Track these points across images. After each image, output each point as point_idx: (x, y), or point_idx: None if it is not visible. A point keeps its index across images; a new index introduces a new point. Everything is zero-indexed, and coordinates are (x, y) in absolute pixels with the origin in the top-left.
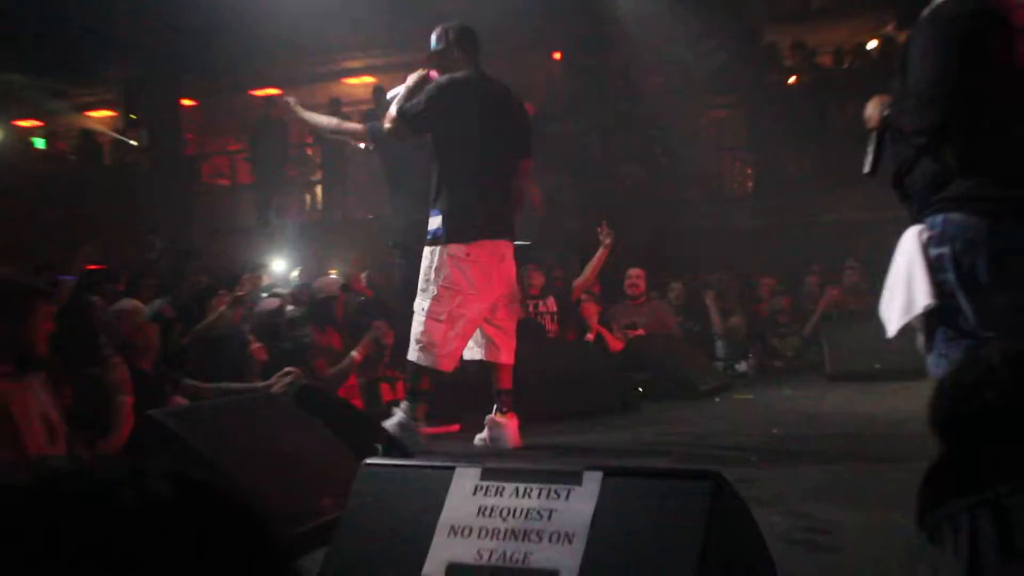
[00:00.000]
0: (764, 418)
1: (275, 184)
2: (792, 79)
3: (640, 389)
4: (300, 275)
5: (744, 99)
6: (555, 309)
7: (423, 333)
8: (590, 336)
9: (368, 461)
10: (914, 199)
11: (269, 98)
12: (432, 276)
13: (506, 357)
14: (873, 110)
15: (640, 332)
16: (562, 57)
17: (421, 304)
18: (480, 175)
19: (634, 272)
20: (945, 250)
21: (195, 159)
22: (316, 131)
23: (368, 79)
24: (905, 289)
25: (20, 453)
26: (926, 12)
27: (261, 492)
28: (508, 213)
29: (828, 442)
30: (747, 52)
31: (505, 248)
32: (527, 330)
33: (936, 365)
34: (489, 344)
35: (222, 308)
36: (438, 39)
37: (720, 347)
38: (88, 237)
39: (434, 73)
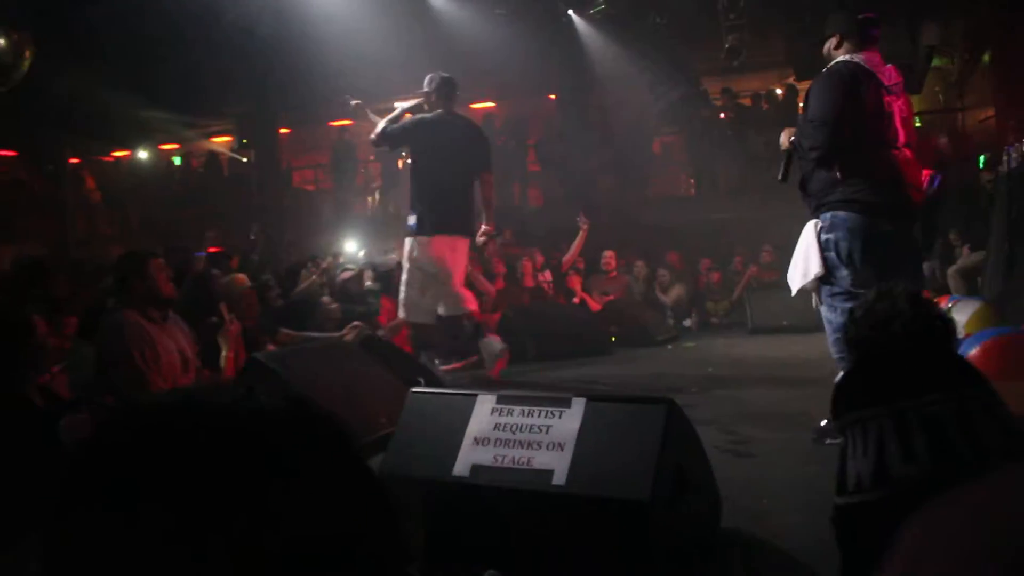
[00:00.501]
0: (703, 361)
1: (348, 189)
2: (722, 115)
3: (613, 339)
4: (364, 255)
5: (687, 129)
6: (551, 279)
7: (406, 299)
8: (576, 300)
9: (413, 390)
10: (812, 200)
11: (351, 103)
12: (409, 259)
13: (472, 305)
14: (784, 137)
15: (612, 297)
16: (556, 98)
17: (403, 279)
18: (442, 187)
19: (608, 253)
20: (831, 236)
21: (288, 171)
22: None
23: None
24: (803, 262)
25: (163, 377)
26: (824, 69)
27: (335, 412)
28: (466, 215)
29: (749, 378)
30: (689, 94)
31: (459, 242)
32: (535, 295)
33: (827, 312)
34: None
35: (312, 278)
36: (428, 83)
37: (670, 309)
38: (211, 227)
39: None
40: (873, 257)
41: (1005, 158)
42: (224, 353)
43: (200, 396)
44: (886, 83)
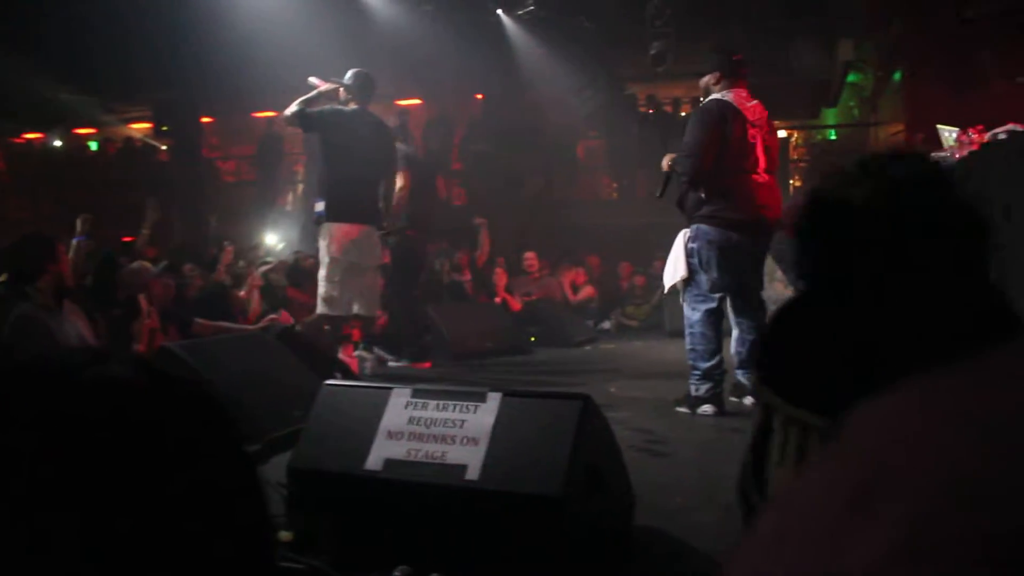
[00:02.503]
0: (621, 362)
1: (271, 182)
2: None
3: (533, 339)
4: (284, 248)
5: (610, 133)
6: (470, 278)
7: (325, 293)
8: (497, 299)
9: (327, 382)
10: (685, 214)
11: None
12: (327, 252)
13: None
14: (665, 160)
15: (533, 297)
16: (483, 97)
17: (322, 274)
18: (353, 178)
19: (529, 255)
20: (694, 245)
21: (211, 161)
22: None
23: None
24: (673, 266)
25: None
26: (700, 104)
27: (248, 404)
28: (374, 207)
29: (665, 380)
30: (614, 99)
31: (369, 232)
32: (455, 293)
33: (686, 310)
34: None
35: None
36: (349, 77)
37: (590, 311)
38: (125, 215)
39: (341, 92)
40: (728, 265)
41: None
42: (135, 346)
43: (26, 363)
44: (751, 118)
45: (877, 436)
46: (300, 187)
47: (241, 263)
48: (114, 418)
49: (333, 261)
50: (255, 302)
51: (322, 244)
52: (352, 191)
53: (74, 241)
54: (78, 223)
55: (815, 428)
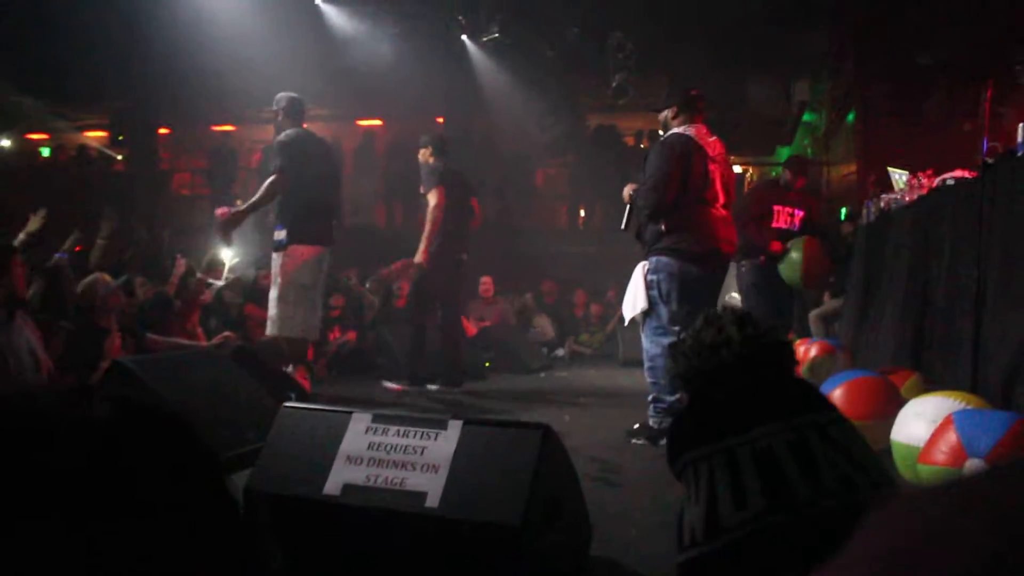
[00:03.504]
0: (575, 390)
1: (225, 196)
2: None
3: (488, 364)
4: (238, 264)
5: (572, 162)
6: None
7: (279, 314)
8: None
9: (286, 404)
10: (645, 246)
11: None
12: (281, 273)
13: (313, 335)
14: (626, 191)
15: (488, 323)
16: (443, 121)
17: (274, 295)
18: (311, 200)
19: (485, 279)
20: (654, 277)
21: (168, 173)
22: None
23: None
24: (633, 297)
25: (9, 379)
26: (661, 138)
27: (202, 424)
28: (331, 228)
29: (619, 409)
30: (575, 129)
31: (326, 254)
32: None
33: (645, 343)
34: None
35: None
36: (278, 102)
37: (534, 338)
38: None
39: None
40: (688, 297)
41: (864, 211)
42: (102, 364)
43: (6, 399)
44: (711, 153)
45: (905, 523)
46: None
47: (196, 276)
48: (97, 467)
49: (288, 282)
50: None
51: (277, 263)
52: (311, 214)
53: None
54: (33, 220)
55: (709, 458)
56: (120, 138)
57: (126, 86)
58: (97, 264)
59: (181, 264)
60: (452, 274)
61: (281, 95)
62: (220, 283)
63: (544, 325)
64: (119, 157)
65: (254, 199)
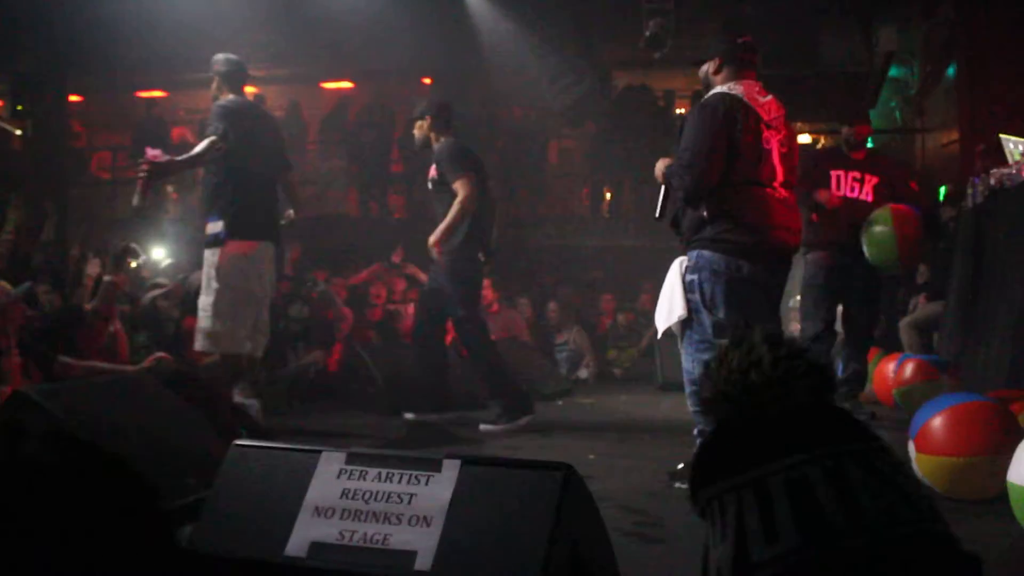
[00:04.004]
0: (602, 422)
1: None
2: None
3: None
4: (169, 267)
5: (593, 133)
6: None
7: (213, 326)
8: (447, 339)
9: (237, 442)
10: (683, 237)
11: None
12: (217, 277)
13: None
14: (659, 168)
15: (492, 338)
16: (432, 82)
17: (208, 302)
18: (256, 185)
19: (484, 283)
20: (695, 277)
21: (80, 152)
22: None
23: (250, 88)
24: (668, 303)
25: None
26: (702, 99)
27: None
28: (276, 220)
29: (658, 445)
30: (598, 90)
31: (271, 251)
32: (388, 333)
33: (684, 361)
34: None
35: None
36: (221, 62)
37: (563, 357)
38: None
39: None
40: (737, 302)
41: (969, 191)
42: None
43: None
44: (765, 117)
45: None
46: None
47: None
48: (29, 508)
49: (227, 287)
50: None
51: (210, 263)
52: (256, 201)
53: None
54: None
55: (738, 490)
56: (19, 108)
57: (27, 41)
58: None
59: (95, 265)
60: (475, 277)
61: (219, 56)
62: (158, 291)
63: (578, 339)
64: (18, 132)
65: (192, 153)
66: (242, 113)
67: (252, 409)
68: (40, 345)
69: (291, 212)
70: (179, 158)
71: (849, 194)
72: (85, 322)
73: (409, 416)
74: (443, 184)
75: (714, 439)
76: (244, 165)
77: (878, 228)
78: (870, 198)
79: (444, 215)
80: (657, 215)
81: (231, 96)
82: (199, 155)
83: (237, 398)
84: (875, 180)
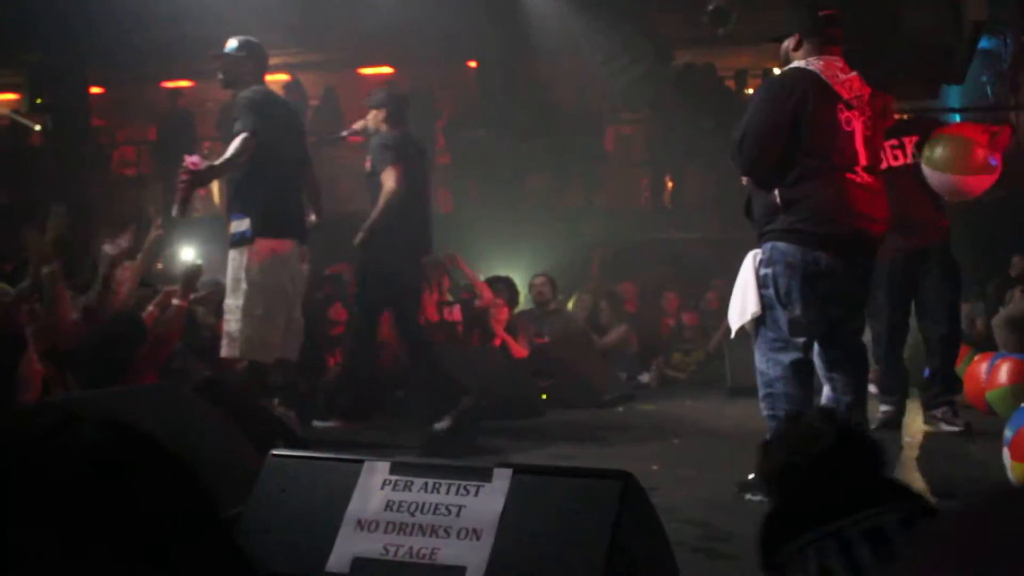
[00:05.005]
0: (666, 428)
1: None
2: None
3: (544, 396)
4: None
5: (654, 116)
6: (460, 318)
7: (244, 330)
8: (496, 342)
9: (274, 452)
10: (754, 226)
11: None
12: (246, 278)
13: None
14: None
15: (545, 340)
16: (477, 66)
17: (237, 305)
18: (284, 181)
19: (538, 280)
20: (769, 271)
21: (102, 148)
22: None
23: (282, 76)
24: (741, 299)
25: None
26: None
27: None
28: (304, 217)
29: (727, 454)
30: (658, 71)
31: (302, 252)
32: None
33: (758, 362)
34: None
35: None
36: (237, 47)
37: (623, 358)
38: None
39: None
40: (816, 298)
41: None
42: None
43: None
44: (845, 96)
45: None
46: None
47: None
48: (89, 490)
49: (254, 287)
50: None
51: (238, 264)
52: (282, 196)
53: None
54: None
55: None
56: (38, 101)
57: (46, 32)
58: (38, 271)
59: (127, 269)
60: (414, 273)
61: (233, 41)
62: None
63: (623, 339)
64: (37, 128)
65: (228, 155)
66: (269, 104)
67: (288, 419)
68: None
69: (312, 217)
70: (217, 163)
71: (893, 163)
72: (147, 340)
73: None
74: (374, 175)
75: (785, 501)
76: (270, 159)
77: (940, 149)
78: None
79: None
80: (745, 211)
81: (254, 86)
82: (236, 156)
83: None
84: (915, 138)
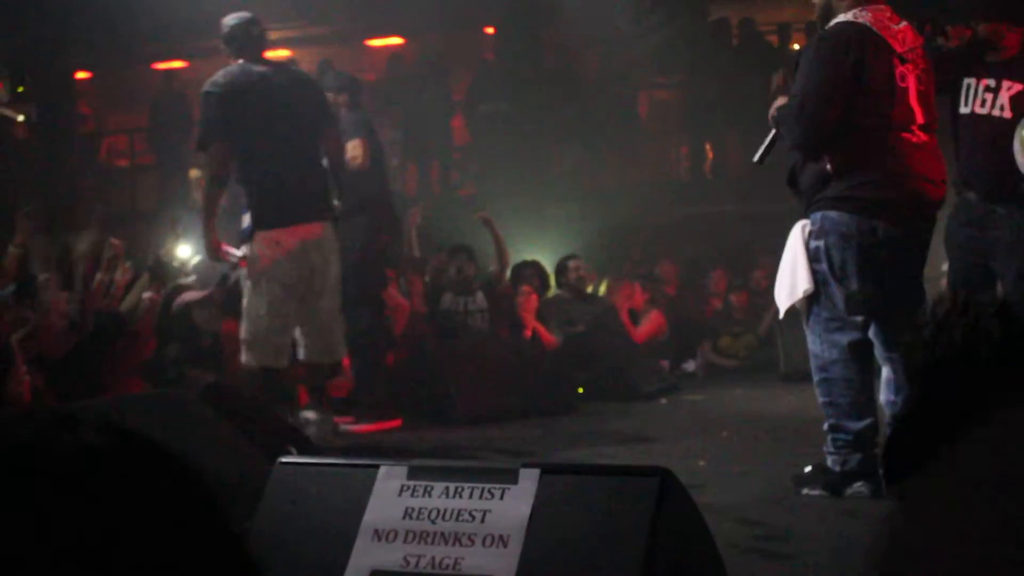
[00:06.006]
0: (713, 421)
1: (176, 165)
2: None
3: (581, 389)
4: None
5: (691, 79)
6: (485, 305)
7: (249, 331)
8: (527, 332)
9: (283, 460)
10: (802, 196)
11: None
12: (251, 274)
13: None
14: (773, 107)
15: (580, 328)
16: (496, 32)
17: (244, 304)
18: (278, 165)
19: (573, 263)
20: (821, 243)
21: (91, 137)
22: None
23: (283, 51)
24: (790, 276)
25: None
26: (819, 31)
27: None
28: (315, 195)
29: (781, 445)
30: (692, 28)
31: (315, 231)
32: (457, 326)
33: (811, 343)
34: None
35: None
36: (226, 28)
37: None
38: None
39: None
40: (874, 271)
41: None
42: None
43: None
44: (899, 49)
45: None
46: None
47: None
48: (92, 497)
49: (256, 285)
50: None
51: (247, 260)
52: (279, 182)
53: None
54: None
55: None
56: (20, 89)
57: (25, 13)
58: (12, 278)
59: (118, 246)
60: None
61: (227, 20)
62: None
63: (653, 325)
64: (20, 118)
65: (204, 202)
66: (235, 92)
67: (314, 425)
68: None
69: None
70: (203, 216)
71: (984, 111)
72: (127, 338)
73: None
74: None
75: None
76: (254, 147)
77: None
78: (1008, 113)
79: None
80: (756, 158)
81: (221, 72)
82: (212, 178)
83: (308, 413)
84: (1018, 87)
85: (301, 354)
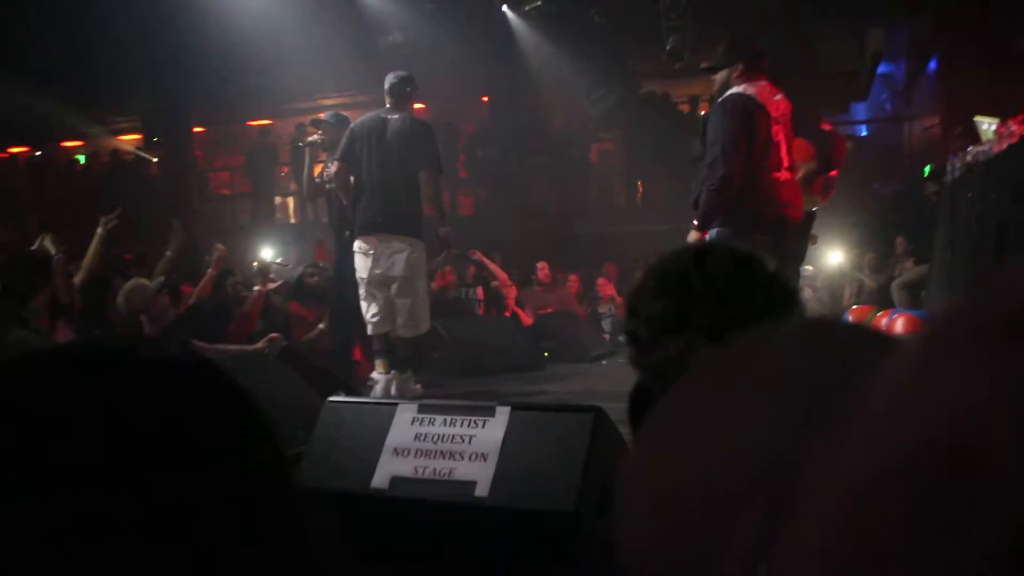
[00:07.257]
0: (634, 375)
1: (266, 194)
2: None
3: (546, 354)
4: (282, 263)
5: (626, 135)
6: (483, 297)
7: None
8: (507, 313)
9: (330, 399)
10: (704, 216)
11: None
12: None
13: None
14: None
15: (548, 311)
16: (489, 100)
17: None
18: (369, 184)
19: (541, 264)
20: None
21: (203, 174)
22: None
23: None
24: None
25: None
26: (720, 99)
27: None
28: (400, 214)
29: None
30: (629, 99)
31: (395, 242)
32: (462, 309)
33: None
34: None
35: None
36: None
37: (607, 323)
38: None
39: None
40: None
41: (949, 168)
42: None
43: (65, 348)
44: (774, 114)
45: None
46: (293, 199)
47: (233, 280)
48: (170, 398)
49: (360, 280)
50: (253, 320)
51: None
52: (369, 199)
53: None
54: (46, 243)
55: None
56: (155, 139)
57: (158, 86)
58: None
59: (221, 250)
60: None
61: (388, 76)
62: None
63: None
64: (154, 160)
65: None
66: (361, 128)
67: (380, 384)
68: (178, 331)
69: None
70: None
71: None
72: (232, 318)
73: None
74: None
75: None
76: (356, 172)
77: None
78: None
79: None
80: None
81: (365, 115)
82: (333, 183)
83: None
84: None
85: (404, 331)
